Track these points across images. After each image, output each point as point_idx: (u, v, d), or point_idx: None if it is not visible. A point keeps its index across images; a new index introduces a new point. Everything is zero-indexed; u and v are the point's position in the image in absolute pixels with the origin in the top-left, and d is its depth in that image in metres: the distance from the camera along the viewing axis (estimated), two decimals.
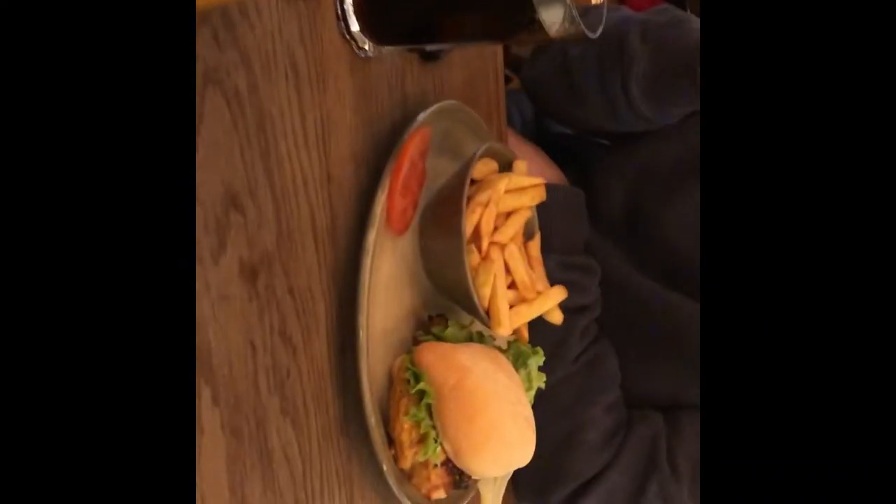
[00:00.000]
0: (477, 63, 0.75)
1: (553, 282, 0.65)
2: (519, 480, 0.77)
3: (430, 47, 0.61)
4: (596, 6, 0.55)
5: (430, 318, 0.61)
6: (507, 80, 1.13)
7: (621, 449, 0.76)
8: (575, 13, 0.50)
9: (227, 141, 0.45)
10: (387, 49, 0.58)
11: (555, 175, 0.84)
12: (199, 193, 0.42)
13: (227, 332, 0.44)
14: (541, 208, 0.68)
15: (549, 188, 0.67)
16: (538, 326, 0.69)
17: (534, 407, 0.60)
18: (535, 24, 0.51)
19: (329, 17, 0.53)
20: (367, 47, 0.56)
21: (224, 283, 0.44)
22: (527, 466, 0.60)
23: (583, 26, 0.51)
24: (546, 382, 0.64)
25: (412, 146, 0.56)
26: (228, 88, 0.45)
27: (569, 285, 0.65)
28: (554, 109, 0.89)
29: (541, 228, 0.68)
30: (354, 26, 0.55)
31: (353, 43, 0.55)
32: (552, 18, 0.52)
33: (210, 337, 0.43)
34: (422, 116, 0.58)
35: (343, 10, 0.54)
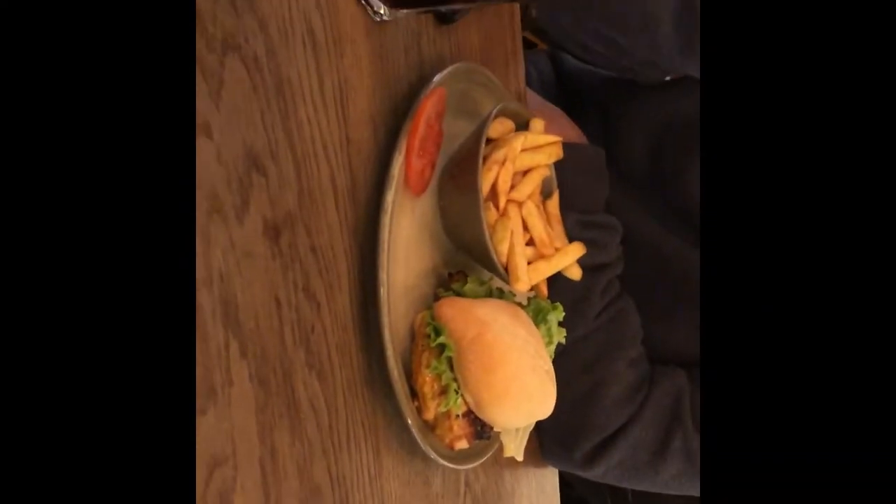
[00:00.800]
0: (494, 25, 0.76)
1: (573, 240, 0.66)
2: (543, 434, 0.79)
3: (444, 8, 0.62)
4: None
5: (450, 274, 0.62)
6: (531, 45, 1.13)
7: (645, 403, 0.77)
8: None
9: (246, 105, 0.47)
10: (402, 12, 0.59)
11: (575, 134, 0.84)
12: (222, 154, 0.44)
13: (253, 287, 0.46)
14: (560, 167, 0.69)
15: (569, 147, 0.68)
16: (559, 284, 0.71)
17: (556, 363, 0.62)
18: None
19: None
20: (382, 11, 0.57)
21: (248, 241, 0.46)
22: (550, 420, 0.62)
23: None
24: (567, 339, 0.66)
25: (428, 107, 0.57)
26: (247, 54, 0.47)
27: (589, 243, 0.66)
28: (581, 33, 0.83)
29: (560, 187, 0.69)
30: None
31: (368, 7, 0.56)
32: None
33: (236, 292, 0.45)
34: (437, 78, 0.59)
35: None
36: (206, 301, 0.43)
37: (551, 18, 0.83)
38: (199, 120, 0.43)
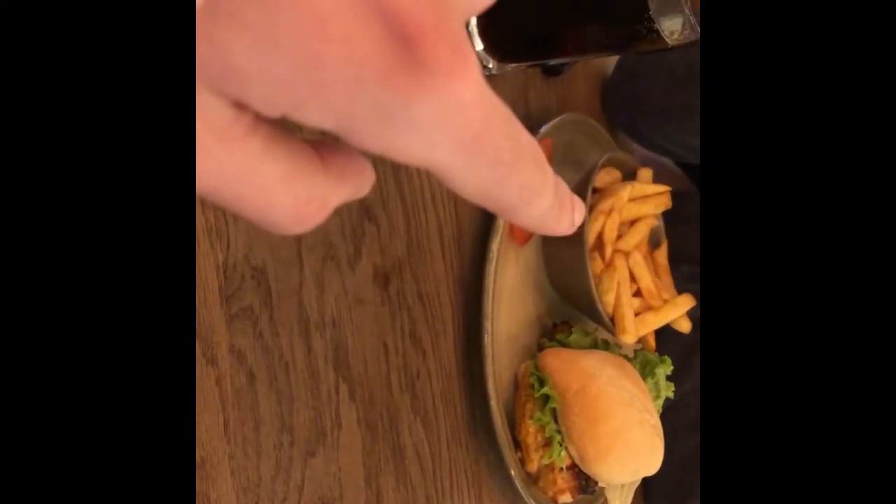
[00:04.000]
0: (601, 76, 0.76)
1: (683, 292, 0.64)
2: (651, 492, 0.76)
3: (551, 62, 0.63)
4: None
5: (555, 324, 0.62)
6: None
7: None
8: (694, 20, 0.51)
9: None
10: (510, 66, 0.60)
11: (683, 184, 0.83)
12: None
13: (362, 333, 0.48)
14: (670, 218, 0.68)
15: (678, 197, 0.67)
16: (668, 337, 0.69)
17: (664, 418, 0.60)
18: (655, 34, 0.51)
19: None
20: (490, 65, 0.59)
21: (359, 288, 0.48)
22: (659, 478, 0.60)
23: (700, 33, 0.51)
24: (676, 394, 0.64)
25: None
26: None
27: (699, 296, 0.64)
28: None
29: (670, 239, 0.67)
30: (479, 45, 0.58)
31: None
32: (672, 27, 0.53)
33: (347, 337, 0.47)
34: (544, 129, 0.60)
35: (468, 31, 0.57)
36: (318, 345, 0.45)
37: (629, 126, 0.78)
38: None
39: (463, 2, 0.17)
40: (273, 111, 0.16)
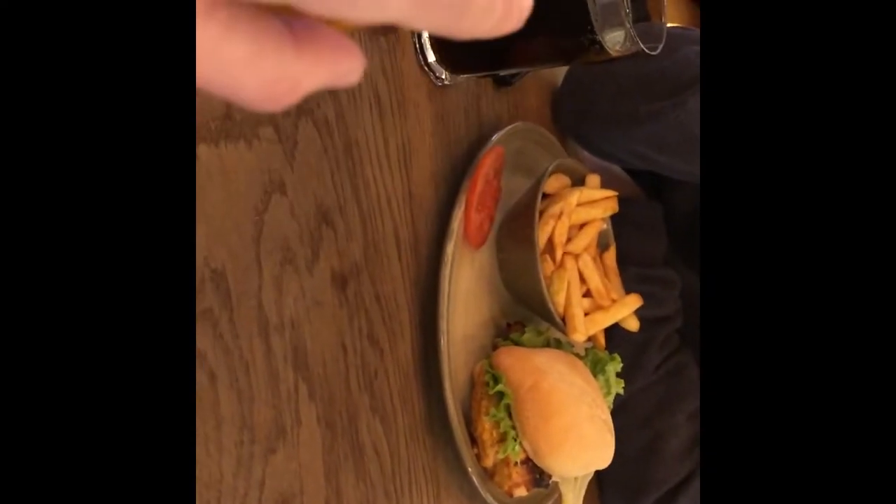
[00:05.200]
0: (551, 86, 0.79)
1: (631, 293, 0.67)
2: (605, 488, 0.79)
3: (501, 73, 0.66)
4: (656, 25, 0.58)
5: (509, 324, 0.64)
6: None
7: None
8: (634, 33, 0.54)
9: (318, 164, 0.51)
10: (462, 77, 0.63)
11: (631, 189, 0.86)
12: (295, 210, 0.48)
13: (321, 334, 0.49)
14: (618, 222, 0.71)
15: (625, 202, 0.70)
16: (618, 337, 0.72)
17: (615, 416, 0.62)
18: (598, 45, 0.54)
19: (408, 51, 0.59)
20: (443, 76, 0.61)
21: (318, 290, 0.49)
22: (612, 474, 0.62)
23: (642, 45, 0.54)
24: (626, 392, 0.67)
25: (486, 165, 0.60)
26: (318, 118, 0.51)
27: (647, 297, 0.67)
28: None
29: (618, 242, 0.70)
30: (431, 57, 0.60)
31: (430, 73, 0.60)
32: (614, 39, 0.56)
33: (306, 338, 0.48)
34: (495, 137, 0.62)
35: (420, 43, 0.59)
36: (278, 346, 0.46)
37: (578, 135, 0.81)
38: (274, 178, 0.47)
39: None
40: None
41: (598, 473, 0.74)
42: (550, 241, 0.62)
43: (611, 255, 0.69)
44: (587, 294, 0.64)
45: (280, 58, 0.17)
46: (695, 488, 0.75)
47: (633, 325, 0.67)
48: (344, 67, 0.19)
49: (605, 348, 0.67)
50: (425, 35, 0.59)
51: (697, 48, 0.71)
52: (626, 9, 0.56)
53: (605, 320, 0.64)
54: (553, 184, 0.65)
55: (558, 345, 0.64)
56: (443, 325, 0.56)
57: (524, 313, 0.66)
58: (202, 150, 0.42)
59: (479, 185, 0.59)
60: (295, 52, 0.18)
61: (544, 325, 0.65)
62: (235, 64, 0.17)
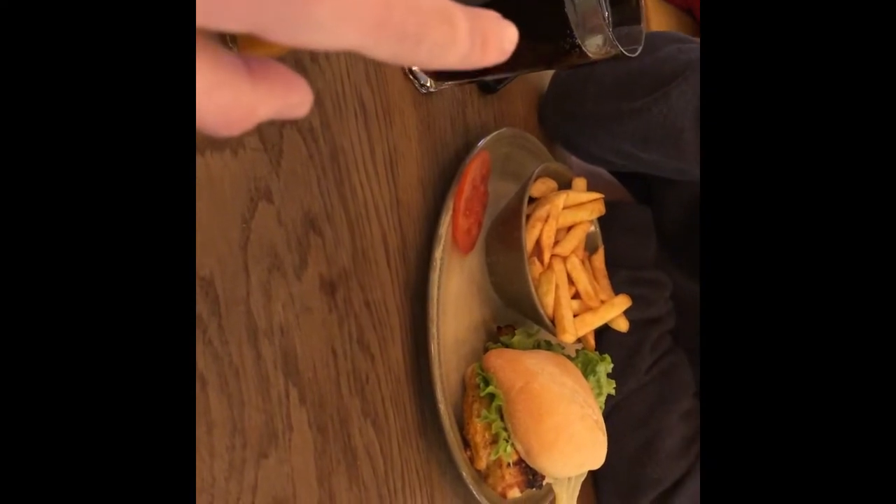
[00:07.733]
0: (536, 91, 0.80)
1: (620, 294, 0.68)
2: (601, 488, 0.79)
3: (485, 79, 0.66)
4: (636, 28, 0.59)
5: (499, 328, 0.65)
6: None
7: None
8: (613, 36, 0.55)
9: (304, 172, 0.51)
10: (446, 84, 0.64)
11: (619, 193, 0.87)
12: (282, 217, 0.49)
13: (311, 339, 0.50)
14: (607, 226, 0.71)
15: (614, 205, 0.71)
16: (611, 339, 0.72)
17: (609, 418, 0.63)
18: (578, 49, 0.55)
19: None
20: (428, 84, 0.62)
21: (306, 296, 0.50)
22: (608, 475, 0.63)
23: (621, 48, 0.55)
24: (620, 393, 0.67)
25: (473, 170, 0.61)
26: (303, 125, 0.52)
27: (637, 299, 0.68)
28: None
29: (608, 245, 0.71)
30: (415, 66, 0.61)
31: (414, 80, 0.61)
32: (594, 42, 0.57)
33: (296, 343, 0.49)
34: (481, 143, 0.63)
35: None
36: (267, 351, 0.47)
37: (565, 139, 0.82)
38: (260, 186, 0.47)
39: None
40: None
41: (594, 474, 0.75)
42: (538, 244, 0.62)
43: (599, 258, 0.69)
44: (576, 296, 0.65)
45: (237, 88, 0.19)
46: (690, 487, 0.75)
47: (622, 325, 0.67)
48: (295, 99, 0.21)
49: (597, 350, 0.68)
50: None
51: (678, 45, 0.72)
52: (605, 12, 0.57)
53: (594, 321, 0.64)
54: (539, 187, 0.65)
55: (549, 346, 0.64)
56: (433, 329, 0.57)
57: (514, 317, 0.67)
58: None
59: (467, 190, 0.60)
60: (250, 84, 0.20)
61: (534, 328, 0.65)
62: (197, 92, 0.18)
